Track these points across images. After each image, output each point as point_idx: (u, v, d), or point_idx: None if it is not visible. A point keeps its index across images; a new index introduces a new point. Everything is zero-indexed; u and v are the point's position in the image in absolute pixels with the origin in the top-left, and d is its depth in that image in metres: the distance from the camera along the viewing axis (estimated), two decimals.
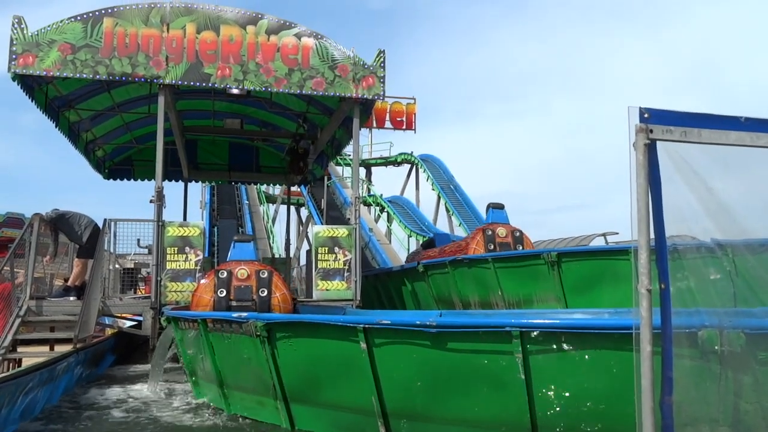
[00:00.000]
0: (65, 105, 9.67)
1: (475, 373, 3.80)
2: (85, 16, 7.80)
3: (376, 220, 29.13)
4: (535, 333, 3.61)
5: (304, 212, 30.99)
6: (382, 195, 29.80)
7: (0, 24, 21.17)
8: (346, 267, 8.45)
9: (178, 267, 7.90)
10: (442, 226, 28.11)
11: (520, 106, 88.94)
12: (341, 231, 8.53)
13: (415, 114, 33.72)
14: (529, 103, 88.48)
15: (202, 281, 7.18)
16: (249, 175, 13.92)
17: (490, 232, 9.51)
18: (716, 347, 2.39)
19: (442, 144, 76.47)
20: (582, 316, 4.97)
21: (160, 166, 8.08)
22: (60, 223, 8.38)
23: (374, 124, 33.45)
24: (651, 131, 2.28)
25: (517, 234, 9.55)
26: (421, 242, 14.91)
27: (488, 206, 10.24)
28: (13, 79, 7.71)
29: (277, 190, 30.58)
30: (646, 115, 2.30)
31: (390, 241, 26.58)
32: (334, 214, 25.37)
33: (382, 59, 8.50)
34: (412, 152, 32.30)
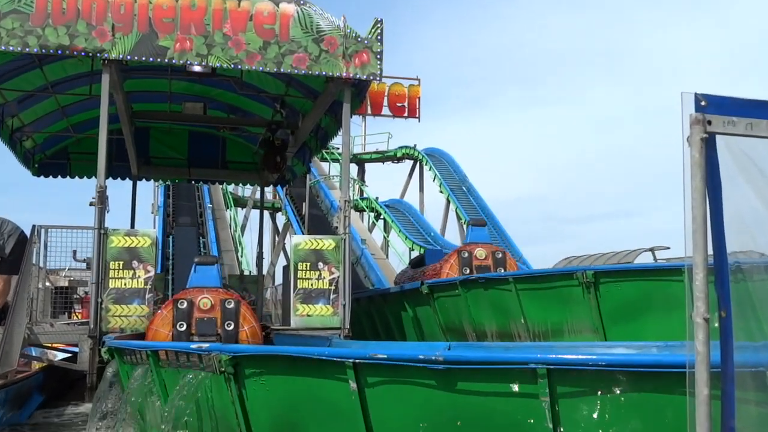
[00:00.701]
0: None
1: (491, 421, 3.79)
2: None
3: (371, 230, 29.16)
4: (566, 371, 3.61)
5: (280, 219, 31.01)
6: (377, 198, 29.84)
7: None
8: (333, 287, 8.45)
9: (123, 286, 7.88)
10: (453, 237, 28.17)
11: (546, 92, 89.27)
12: (327, 243, 8.54)
13: (419, 98, 33.83)
14: (558, 89, 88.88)
15: (159, 312, 7.31)
16: (213, 172, 13.91)
17: (466, 254, 10.27)
18: None
19: (452, 136, 76.69)
20: (624, 351, 4.97)
21: (103, 161, 8.08)
22: None
23: (369, 111, 33.56)
24: (709, 123, 2.30)
25: (499, 255, 10.26)
26: (411, 260, 15.24)
27: (468, 223, 10.84)
28: None
29: (248, 191, 30.62)
30: (703, 103, 2.32)
31: (387, 256, 26.58)
32: (317, 221, 25.35)
33: (379, 31, 8.53)
34: (415, 145, 32.41)
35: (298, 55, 8.33)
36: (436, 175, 29.95)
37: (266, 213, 29.54)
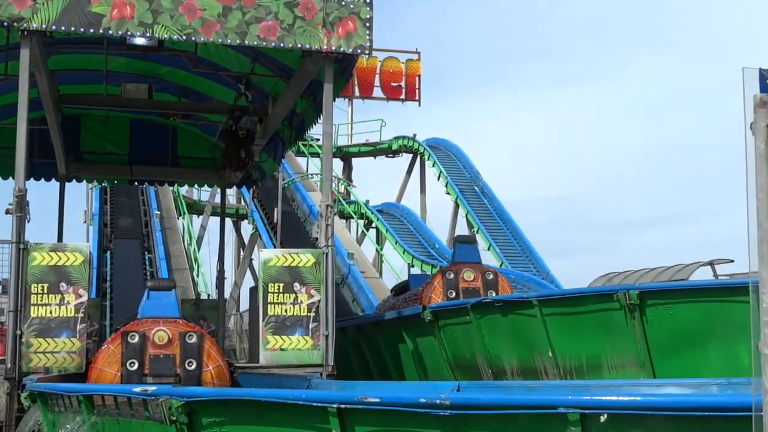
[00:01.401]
0: None
1: None
2: None
3: (360, 242, 29.20)
4: (604, 417, 3.62)
5: (246, 228, 31.03)
6: (368, 202, 29.92)
7: None
8: (312, 314, 8.44)
9: (48, 314, 7.84)
10: None
11: (577, 68, 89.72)
12: (304, 258, 8.54)
13: (419, 77, 34.00)
14: (592, 64, 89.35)
15: (104, 348, 7.46)
16: (161, 170, 13.91)
17: (452, 276, 10.69)
18: None
19: (461, 123, 77.00)
20: (676, 391, 4.97)
21: (23, 157, 8.06)
22: None
23: (357, 93, 33.70)
24: None
25: (490, 277, 10.71)
26: (394, 286, 15.81)
27: (455, 240, 11.63)
28: None
29: (205, 194, 30.66)
30: None
31: (380, 274, 26.62)
32: (293, 231, 25.36)
33: None
34: (414, 135, 32.50)
35: (267, 24, 8.35)
36: (441, 172, 30.01)
37: (228, 221, 29.56)
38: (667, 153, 79.27)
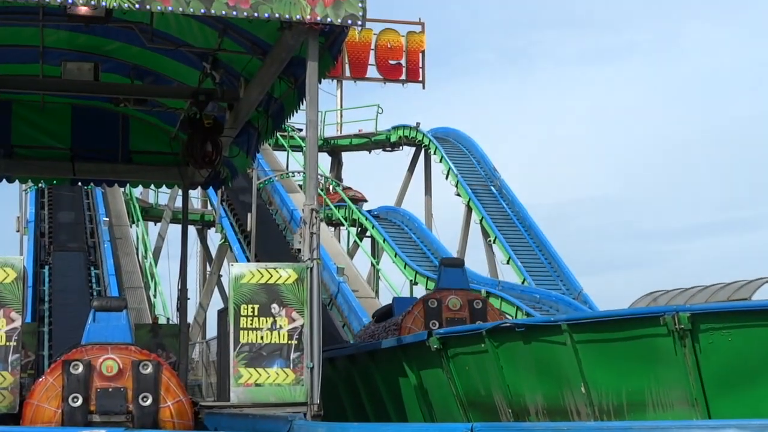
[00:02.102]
0: None
1: None
2: None
3: (352, 254, 29.23)
4: None
5: (214, 238, 31.06)
6: (363, 205, 29.98)
7: None
8: (294, 342, 8.46)
9: None
10: (477, 263, 28.30)
11: (615, 42, 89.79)
12: (284, 274, 8.56)
13: (422, 54, 34.07)
14: (633, 37, 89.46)
15: (41, 380, 7.39)
16: (110, 168, 13.91)
17: (434, 304, 11.32)
18: None
19: (474, 110, 77.03)
20: None
21: None
22: None
23: (347, 73, 33.75)
24: None
25: (479, 306, 11.36)
26: (376, 311, 16.33)
27: (440, 263, 12.65)
28: None
29: (163, 197, 30.67)
30: None
31: (377, 292, 26.66)
32: (270, 241, 25.40)
33: None
34: (418, 125, 32.58)
35: None
36: (450, 168, 30.06)
37: (192, 229, 29.60)
38: (727, 144, 79.21)
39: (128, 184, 18.10)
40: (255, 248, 24.56)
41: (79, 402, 7.31)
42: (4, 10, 10.01)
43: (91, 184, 16.69)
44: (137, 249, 26.51)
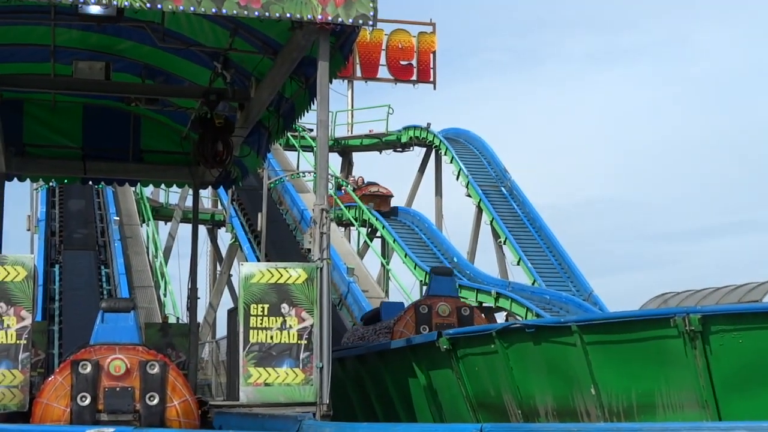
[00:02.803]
0: None
1: None
2: None
3: (362, 254, 29.23)
4: None
5: (224, 238, 31.11)
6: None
7: None
8: (304, 342, 8.46)
9: None
10: (487, 263, 28.30)
11: (631, 40, 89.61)
12: (294, 274, 8.57)
13: (434, 54, 34.06)
14: (646, 37, 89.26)
15: (51, 379, 7.50)
16: (121, 167, 13.92)
17: (425, 310, 12.02)
18: None
19: (485, 111, 76.97)
20: None
21: None
22: None
23: (358, 73, 33.77)
24: None
25: (466, 312, 12.08)
26: (364, 314, 17.08)
27: (430, 272, 13.60)
28: None
29: (174, 196, 30.72)
30: None
31: (386, 293, 26.66)
32: (280, 241, 25.42)
33: None
34: (428, 125, 32.57)
35: None
36: (460, 169, 30.06)
37: (202, 229, 29.62)
38: (740, 145, 79.03)
39: (139, 184, 18.14)
40: (265, 248, 24.58)
41: (88, 401, 7.43)
42: (16, 9, 10.03)
43: (102, 183, 16.72)
44: (147, 248, 26.54)
